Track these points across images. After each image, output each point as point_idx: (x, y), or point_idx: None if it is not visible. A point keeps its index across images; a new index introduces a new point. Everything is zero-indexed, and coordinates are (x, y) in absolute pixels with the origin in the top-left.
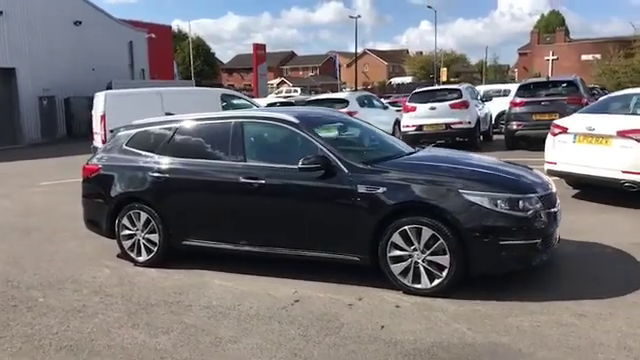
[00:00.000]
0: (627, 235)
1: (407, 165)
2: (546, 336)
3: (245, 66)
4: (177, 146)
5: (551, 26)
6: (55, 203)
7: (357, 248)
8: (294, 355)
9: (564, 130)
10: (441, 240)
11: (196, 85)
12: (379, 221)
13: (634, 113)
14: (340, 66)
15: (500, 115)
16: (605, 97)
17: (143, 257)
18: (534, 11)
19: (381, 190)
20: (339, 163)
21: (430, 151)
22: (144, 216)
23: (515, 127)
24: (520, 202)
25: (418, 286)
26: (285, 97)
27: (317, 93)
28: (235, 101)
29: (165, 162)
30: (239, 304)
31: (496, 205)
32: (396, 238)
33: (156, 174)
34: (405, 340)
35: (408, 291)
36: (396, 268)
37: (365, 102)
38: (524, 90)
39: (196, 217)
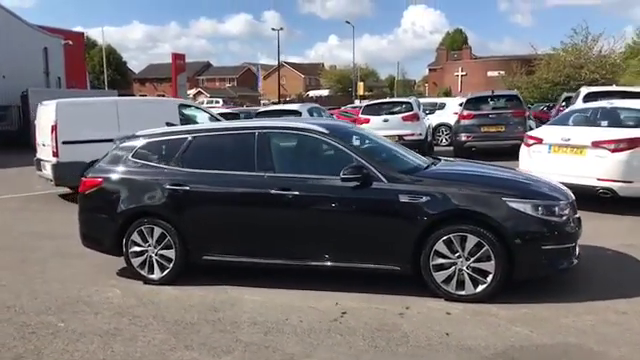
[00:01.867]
0: (615, 238)
1: (442, 175)
2: (607, 334)
3: (159, 76)
4: (195, 157)
5: (456, 44)
6: (4, 221)
7: (398, 258)
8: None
9: (539, 141)
10: (486, 247)
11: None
12: (422, 230)
13: (599, 125)
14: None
15: (437, 127)
16: (567, 111)
17: (156, 274)
18: (434, 29)
19: (424, 199)
20: (377, 173)
21: (450, 163)
22: (158, 231)
23: (464, 139)
24: (556, 208)
25: (462, 293)
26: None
27: (236, 105)
28: (192, 112)
29: (183, 174)
30: (286, 319)
31: (537, 211)
32: (440, 246)
33: (173, 187)
34: (477, 346)
35: (451, 298)
36: (439, 276)
37: (314, 114)
38: (471, 104)
39: (219, 231)
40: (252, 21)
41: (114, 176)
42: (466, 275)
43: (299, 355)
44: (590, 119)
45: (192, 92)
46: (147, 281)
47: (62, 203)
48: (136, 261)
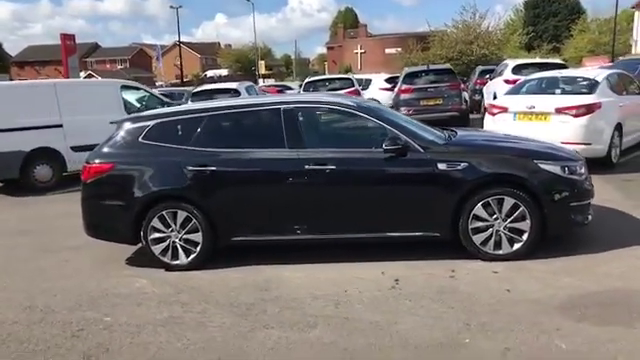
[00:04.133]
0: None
1: (472, 143)
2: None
3: (40, 58)
4: (218, 136)
5: (348, 22)
6: None
7: (438, 224)
8: (467, 325)
9: (504, 109)
10: (522, 207)
11: None
12: (461, 196)
13: (554, 93)
14: (151, 58)
15: None
16: (521, 80)
17: (181, 260)
18: (322, 8)
19: (462, 166)
20: (413, 143)
21: (469, 131)
22: (182, 215)
23: (405, 112)
24: (577, 168)
25: (500, 252)
26: None
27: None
28: (137, 93)
29: (207, 154)
30: (345, 290)
31: (564, 172)
32: (478, 210)
33: (197, 168)
34: (543, 297)
35: (489, 258)
36: (477, 238)
37: (251, 92)
38: (409, 78)
39: (250, 211)
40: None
41: (126, 160)
42: (503, 235)
43: (385, 322)
44: (544, 88)
45: (82, 75)
46: (170, 268)
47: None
48: (157, 248)
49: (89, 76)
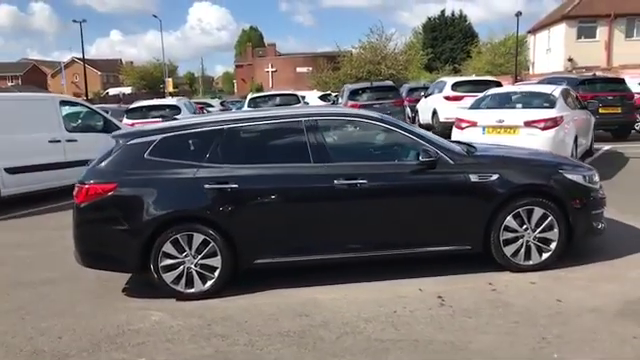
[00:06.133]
0: None
1: (498, 155)
2: None
3: None
4: (235, 151)
5: (254, 41)
6: None
7: (470, 237)
8: (544, 339)
9: (473, 124)
10: (551, 217)
11: None
12: (495, 207)
13: (514, 107)
14: (46, 75)
15: None
16: (482, 95)
17: (197, 288)
18: (221, 27)
19: (494, 177)
20: (444, 155)
21: (490, 146)
22: (199, 238)
23: None
24: (594, 177)
25: (530, 262)
26: None
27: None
28: (75, 109)
29: (226, 170)
30: (394, 311)
31: (585, 181)
32: (509, 221)
33: (217, 185)
34: (599, 306)
35: (519, 269)
36: (508, 250)
37: (189, 109)
38: (354, 95)
39: (275, 231)
40: (17, 13)
41: (131, 179)
42: (533, 246)
43: (460, 342)
44: (504, 103)
45: None
46: (182, 297)
47: None
48: (169, 276)
49: None
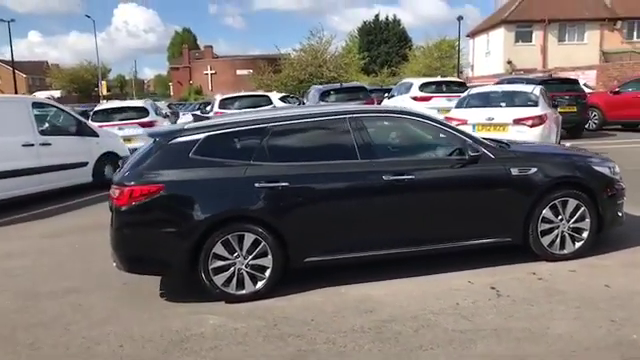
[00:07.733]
0: None
1: (533, 150)
2: None
3: None
4: (283, 149)
5: (188, 43)
6: None
7: (511, 229)
8: (613, 322)
9: (463, 122)
10: (583, 207)
11: None
12: (534, 199)
13: (499, 106)
14: None
15: None
16: (465, 94)
17: (248, 289)
18: (149, 29)
19: (533, 171)
20: (485, 150)
21: (523, 141)
22: (250, 238)
23: None
24: (616, 169)
25: (565, 252)
26: None
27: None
28: (48, 111)
29: (276, 168)
30: (457, 303)
31: (611, 172)
32: (547, 213)
33: (268, 184)
34: None
35: (553, 258)
36: (545, 240)
37: (157, 110)
38: (324, 96)
39: (325, 229)
40: None
41: (178, 179)
42: (567, 235)
43: (537, 328)
44: (488, 101)
45: None
46: (232, 299)
47: None
48: (219, 278)
49: None
